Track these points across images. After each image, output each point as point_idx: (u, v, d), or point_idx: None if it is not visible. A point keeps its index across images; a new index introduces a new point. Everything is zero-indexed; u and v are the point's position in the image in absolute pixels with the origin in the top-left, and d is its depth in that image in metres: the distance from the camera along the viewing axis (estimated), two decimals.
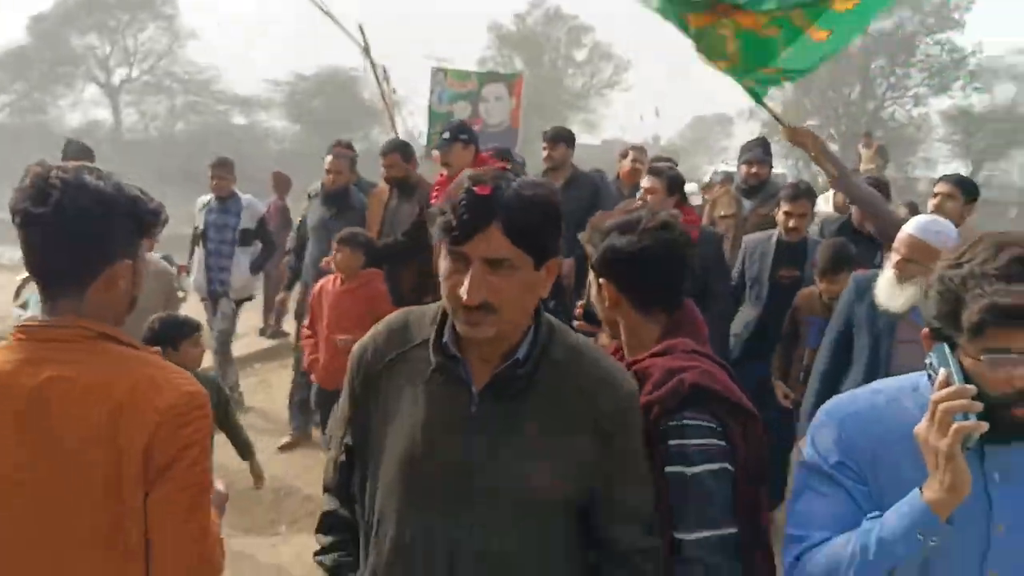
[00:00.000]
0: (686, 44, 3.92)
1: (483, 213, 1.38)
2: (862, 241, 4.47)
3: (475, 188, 1.39)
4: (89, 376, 1.48)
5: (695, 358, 1.73)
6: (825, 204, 6.96)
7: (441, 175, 4.91)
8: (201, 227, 6.34)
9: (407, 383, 1.56)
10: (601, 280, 1.84)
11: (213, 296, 6.39)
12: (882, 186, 5.29)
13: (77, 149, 5.88)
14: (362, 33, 13.24)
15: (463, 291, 1.40)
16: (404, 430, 1.53)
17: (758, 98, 4.17)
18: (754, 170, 5.36)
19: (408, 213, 5.23)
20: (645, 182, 4.10)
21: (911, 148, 40.33)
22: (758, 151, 5.43)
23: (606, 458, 1.51)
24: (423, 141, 10.76)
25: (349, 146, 6.70)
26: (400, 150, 5.38)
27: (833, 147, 40.26)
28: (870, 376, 2.99)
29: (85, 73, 45.11)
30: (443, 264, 1.46)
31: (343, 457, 1.68)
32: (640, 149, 6.95)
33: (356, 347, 1.65)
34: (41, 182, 1.50)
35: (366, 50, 12.93)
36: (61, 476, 1.46)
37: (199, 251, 6.38)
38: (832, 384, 3.31)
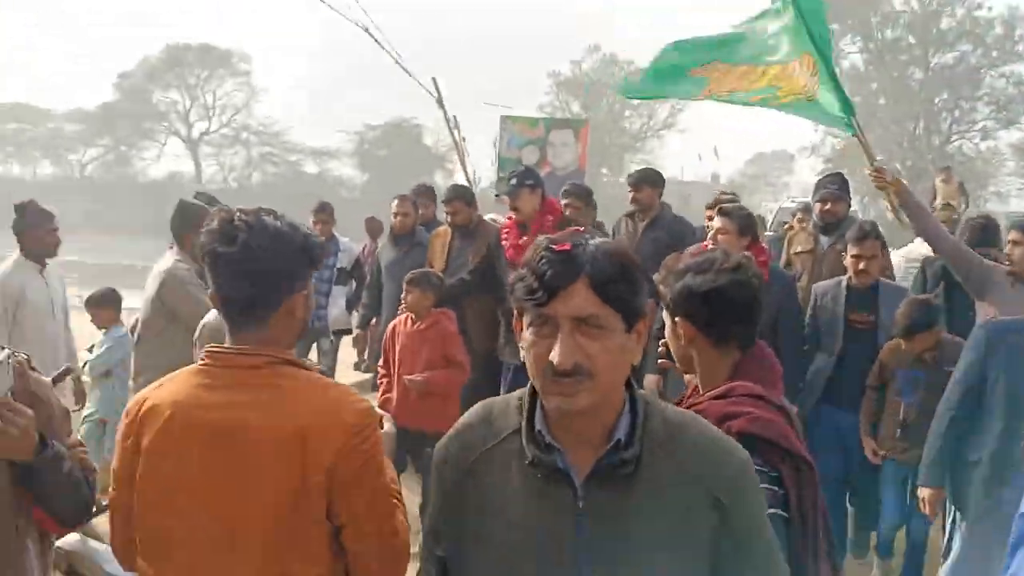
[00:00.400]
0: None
1: (567, 268, 1.30)
2: (958, 285, 4.35)
3: (554, 246, 1.33)
4: (278, 400, 1.59)
5: (751, 403, 1.75)
6: (923, 244, 6.51)
7: (509, 218, 5.11)
8: None
9: (499, 483, 1.40)
10: (676, 319, 1.91)
11: (311, 333, 6.47)
12: (991, 228, 5.00)
13: (206, 200, 6.25)
14: (435, 85, 14.13)
15: (553, 355, 1.29)
16: (502, 540, 1.38)
17: (849, 126, 4.27)
18: (829, 207, 5.08)
19: (472, 253, 5.27)
20: (717, 222, 4.03)
21: (981, 182, 39.65)
22: (833, 188, 5.21)
23: (724, 536, 1.37)
24: (482, 184, 11.33)
25: (428, 191, 7.10)
26: (463, 197, 5.43)
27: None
28: (1013, 421, 3.00)
29: (167, 127, 47.68)
30: (527, 334, 1.34)
31: (434, 572, 1.52)
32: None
33: (437, 451, 1.50)
34: (228, 225, 1.62)
35: (439, 101, 13.79)
36: (251, 492, 1.57)
37: None
38: (960, 433, 3.21)
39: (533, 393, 1.40)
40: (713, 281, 1.84)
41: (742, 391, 1.79)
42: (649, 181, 5.58)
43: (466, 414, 1.51)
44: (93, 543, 2.97)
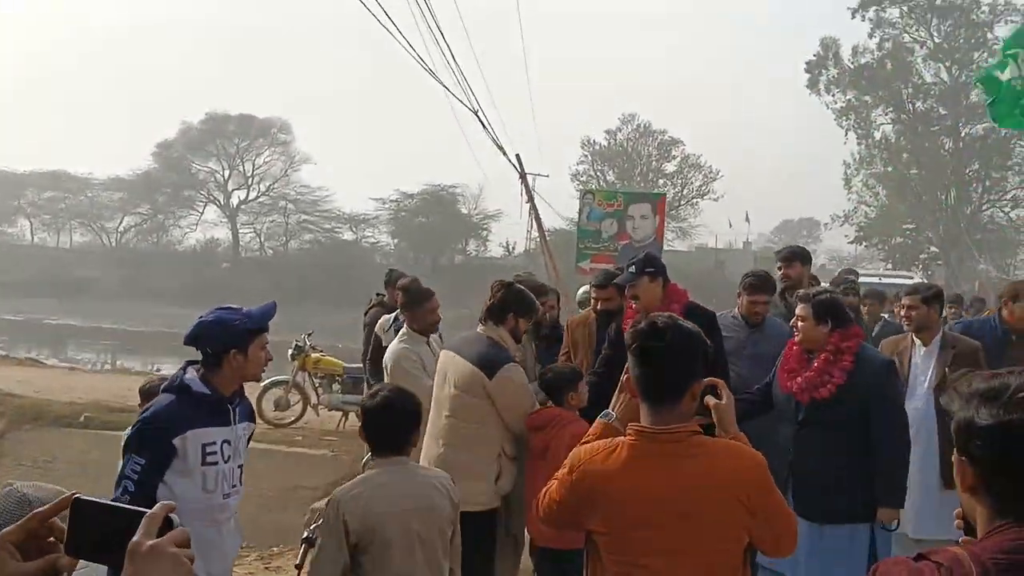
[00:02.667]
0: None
1: None
2: None
3: None
4: (706, 462, 2.04)
5: None
6: None
7: (630, 307, 4.44)
8: None
9: None
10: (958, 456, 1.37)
11: None
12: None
13: (398, 276, 6.16)
14: (519, 161, 14.48)
15: None
16: None
17: None
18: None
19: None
20: (798, 310, 3.71)
21: (1011, 251, 39.73)
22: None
23: None
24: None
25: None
26: (617, 286, 4.60)
27: (933, 250, 39.72)
28: None
29: (206, 195, 48.48)
30: None
31: None
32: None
33: None
34: (653, 324, 2.10)
35: (522, 177, 14.13)
36: (701, 526, 2.04)
37: None
38: None
39: None
40: (1001, 415, 1.26)
41: None
42: (800, 256, 5.49)
43: None
44: None
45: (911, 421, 3.93)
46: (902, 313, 4.40)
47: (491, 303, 3.79)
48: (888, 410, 3.55)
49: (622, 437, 2.12)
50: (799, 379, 3.57)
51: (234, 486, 2.79)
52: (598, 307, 4.72)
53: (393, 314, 6.02)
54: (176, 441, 2.59)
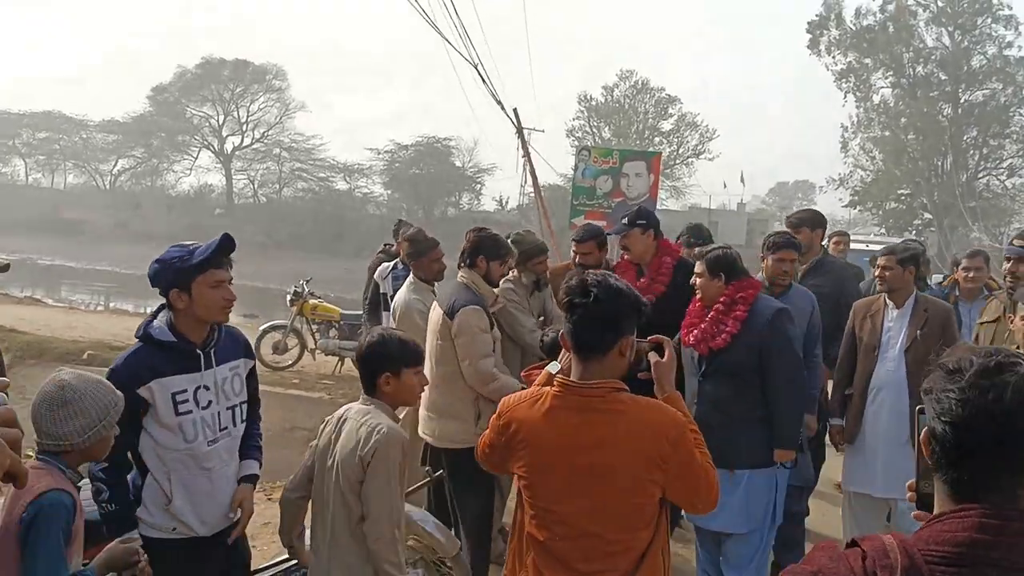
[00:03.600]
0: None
1: None
2: None
3: None
4: (623, 418, 2.07)
5: None
6: None
7: (623, 258, 4.69)
8: (391, 292, 5.89)
9: None
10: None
11: None
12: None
13: (406, 227, 5.90)
14: (516, 116, 14.53)
15: None
16: None
17: None
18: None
19: None
20: (696, 267, 3.78)
21: (1006, 219, 39.92)
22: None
23: None
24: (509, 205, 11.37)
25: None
26: (596, 238, 4.82)
27: (927, 216, 39.79)
28: None
29: (200, 140, 48.24)
30: None
31: None
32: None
33: None
34: (583, 282, 2.12)
35: (519, 131, 14.20)
36: (615, 480, 2.08)
37: (387, 315, 5.93)
38: None
39: None
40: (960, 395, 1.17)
41: None
42: (809, 222, 5.05)
43: None
44: (411, 508, 3.27)
45: (882, 383, 4.09)
46: (876, 273, 4.31)
47: (463, 248, 4.02)
48: (779, 356, 3.53)
49: (549, 387, 2.19)
50: (695, 332, 3.65)
51: (224, 428, 2.66)
52: (577, 260, 4.78)
53: (392, 262, 6.24)
54: (142, 391, 2.49)
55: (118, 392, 2.33)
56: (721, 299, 3.61)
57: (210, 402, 2.62)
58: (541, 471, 2.13)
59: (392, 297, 5.69)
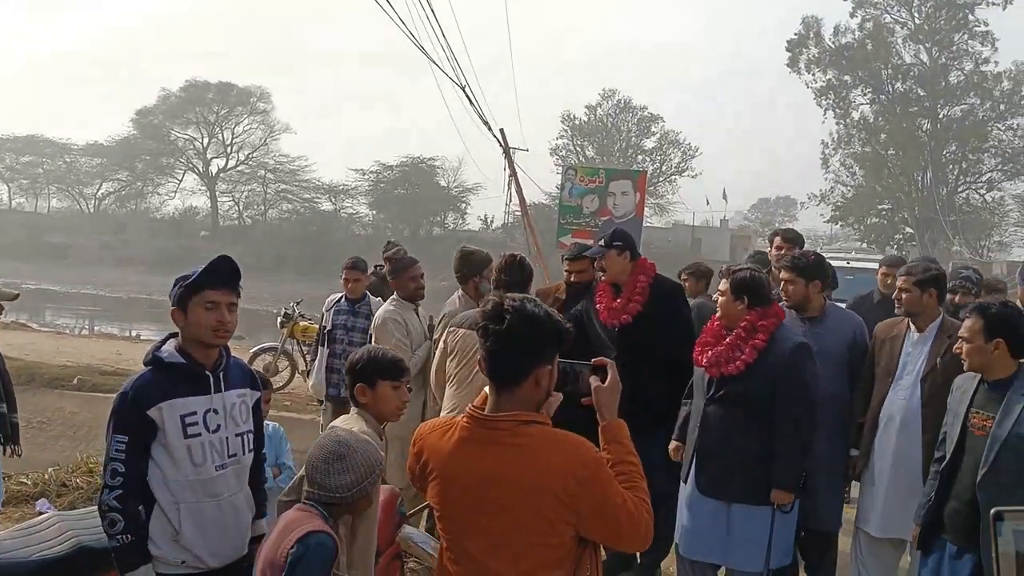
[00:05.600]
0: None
1: None
2: None
3: None
4: (526, 453, 1.93)
5: None
6: None
7: (602, 280, 4.61)
8: (329, 327, 5.90)
9: None
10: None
11: (332, 399, 5.81)
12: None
13: (394, 247, 5.55)
14: (503, 136, 14.62)
15: None
16: None
17: None
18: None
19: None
20: (721, 284, 3.68)
21: (985, 232, 40.42)
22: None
23: None
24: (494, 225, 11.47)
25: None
26: (590, 258, 4.70)
27: (908, 231, 40.15)
28: None
29: (185, 163, 48.14)
30: None
31: None
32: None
33: None
34: (498, 305, 1.94)
35: (506, 152, 14.27)
36: (517, 518, 1.94)
37: (322, 351, 5.95)
38: None
39: None
40: None
41: None
42: (790, 240, 5.17)
43: None
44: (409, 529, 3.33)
45: (893, 412, 3.76)
46: (894, 294, 3.92)
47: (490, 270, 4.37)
48: (793, 393, 3.39)
49: (461, 417, 2.06)
50: (709, 353, 3.52)
51: (233, 455, 2.61)
52: (571, 279, 4.79)
53: (339, 295, 6.00)
54: (152, 413, 2.46)
55: (380, 452, 2.45)
56: (742, 324, 3.47)
57: (219, 426, 2.59)
58: (449, 503, 2.03)
59: (329, 332, 5.85)
